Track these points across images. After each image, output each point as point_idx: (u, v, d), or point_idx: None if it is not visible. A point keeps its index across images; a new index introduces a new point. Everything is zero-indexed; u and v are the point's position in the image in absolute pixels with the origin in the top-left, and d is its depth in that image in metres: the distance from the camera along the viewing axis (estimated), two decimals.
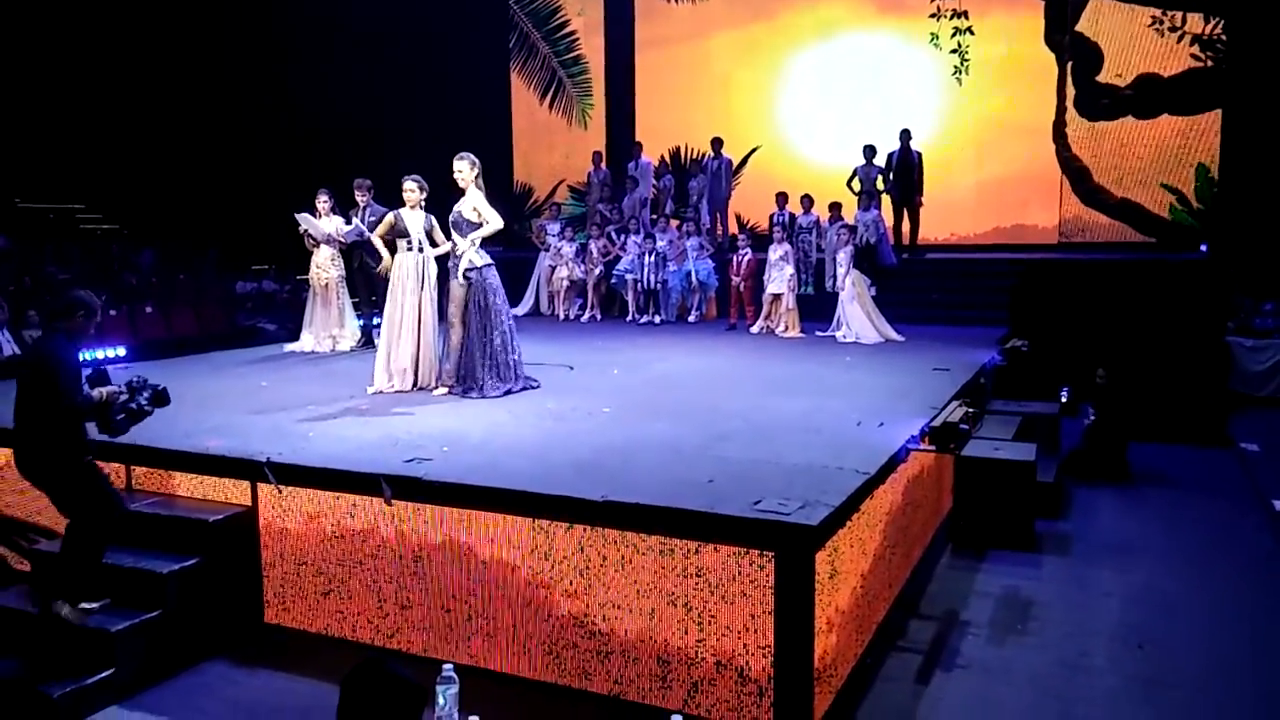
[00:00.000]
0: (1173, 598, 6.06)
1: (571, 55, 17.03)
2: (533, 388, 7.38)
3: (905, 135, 12.81)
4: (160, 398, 4.73)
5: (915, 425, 5.94)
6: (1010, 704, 4.76)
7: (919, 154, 12.84)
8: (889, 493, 5.41)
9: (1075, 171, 13.70)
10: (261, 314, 13.20)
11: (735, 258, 11.68)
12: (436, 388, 7.29)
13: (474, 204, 7.07)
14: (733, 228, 14.24)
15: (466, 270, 7.08)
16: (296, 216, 9.51)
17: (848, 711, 4.63)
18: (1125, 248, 13.19)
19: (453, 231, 7.16)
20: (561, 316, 12.79)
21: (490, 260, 7.24)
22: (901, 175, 12.77)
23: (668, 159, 15.73)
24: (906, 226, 13.02)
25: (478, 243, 7.11)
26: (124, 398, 4.61)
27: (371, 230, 8.30)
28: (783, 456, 5.22)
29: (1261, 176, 11.90)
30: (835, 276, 11.00)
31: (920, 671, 5.08)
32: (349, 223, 9.52)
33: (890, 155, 12.83)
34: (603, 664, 4.50)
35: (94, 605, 4.79)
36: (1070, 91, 13.62)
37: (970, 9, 14.10)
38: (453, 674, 3.45)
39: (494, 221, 7.11)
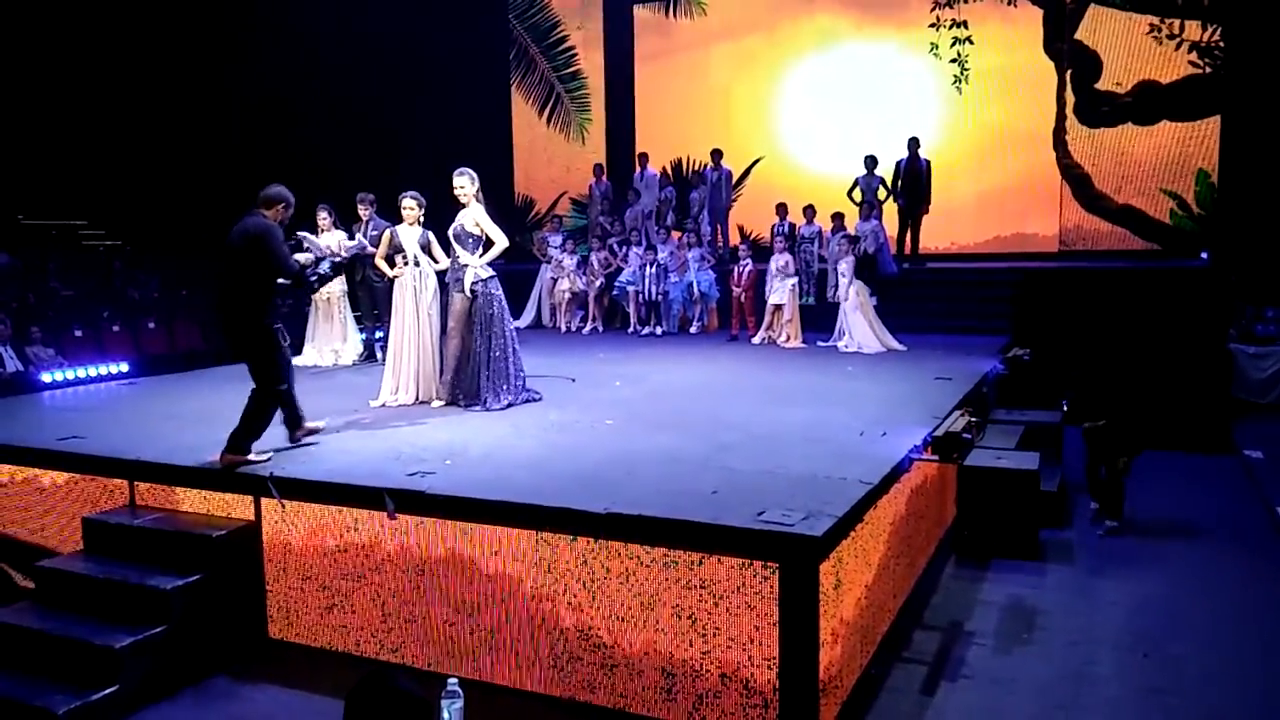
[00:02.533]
0: (1177, 606, 6.05)
1: (569, 71, 17.07)
2: (535, 400, 7.39)
3: (914, 144, 12.79)
4: (339, 267, 6.93)
5: (918, 435, 5.94)
6: (1016, 714, 4.75)
7: (927, 162, 12.83)
8: (892, 503, 5.41)
9: (1076, 179, 13.72)
10: None
11: (736, 268, 11.68)
12: (436, 401, 7.31)
13: (476, 218, 7.12)
14: (734, 239, 14.27)
15: (473, 284, 7.11)
16: (298, 235, 9.54)
17: None
18: (1126, 256, 13.19)
19: (454, 244, 7.20)
20: (563, 329, 12.80)
21: (494, 273, 7.29)
22: (910, 184, 12.76)
23: (669, 171, 15.77)
24: (909, 236, 13.03)
25: (485, 261, 7.18)
26: (312, 265, 6.17)
27: (374, 244, 8.34)
28: (786, 467, 5.22)
29: (1261, 182, 11.91)
30: (837, 286, 11.00)
31: (926, 682, 5.06)
32: (352, 237, 9.55)
33: (899, 163, 12.80)
34: (607, 677, 4.49)
35: (267, 455, 5.55)
36: (1070, 99, 13.65)
37: (969, 18, 14.16)
38: (457, 688, 3.44)
39: (500, 241, 7.18)
